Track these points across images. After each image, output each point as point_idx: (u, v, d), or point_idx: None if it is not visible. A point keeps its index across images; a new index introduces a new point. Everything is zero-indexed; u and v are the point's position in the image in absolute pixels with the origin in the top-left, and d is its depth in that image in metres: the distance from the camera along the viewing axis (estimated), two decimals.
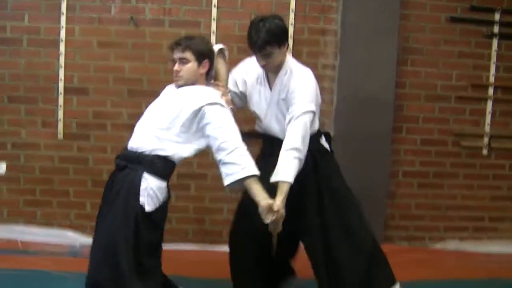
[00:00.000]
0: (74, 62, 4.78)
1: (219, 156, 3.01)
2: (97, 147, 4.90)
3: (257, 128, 3.63)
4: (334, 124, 4.94)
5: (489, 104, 5.16)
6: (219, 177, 4.56)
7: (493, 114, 5.19)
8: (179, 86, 3.20)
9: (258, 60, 3.34)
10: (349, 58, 4.87)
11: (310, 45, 4.98)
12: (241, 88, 3.55)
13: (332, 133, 4.90)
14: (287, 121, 3.26)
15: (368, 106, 4.77)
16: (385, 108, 4.89)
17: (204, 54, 3.19)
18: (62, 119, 4.81)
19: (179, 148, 3.07)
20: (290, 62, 3.43)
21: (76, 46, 4.78)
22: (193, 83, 3.19)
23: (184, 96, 3.12)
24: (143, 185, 2.97)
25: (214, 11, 4.84)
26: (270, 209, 2.98)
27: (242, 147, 3.01)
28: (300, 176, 3.19)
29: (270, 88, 3.44)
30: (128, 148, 3.16)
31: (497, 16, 5.08)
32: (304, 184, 3.33)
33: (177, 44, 3.18)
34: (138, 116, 4.70)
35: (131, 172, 3.02)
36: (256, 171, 2.99)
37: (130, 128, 4.70)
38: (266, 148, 3.58)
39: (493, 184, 5.32)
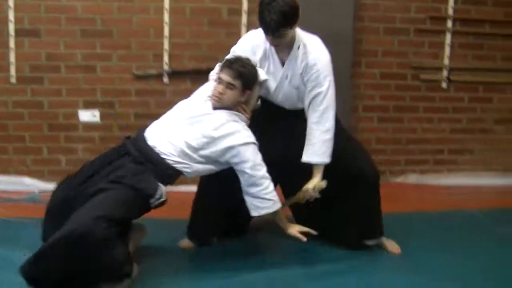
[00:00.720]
0: (24, 3, 4.62)
1: (251, 190, 3.17)
2: (52, 90, 4.79)
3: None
4: None
5: (448, 37, 5.13)
6: None
7: (452, 47, 5.16)
8: (215, 107, 3.21)
9: (269, 40, 3.21)
10: None
11: None
12: None
13: None
14: (313, 94, 3.30)
15: (326, 41, 4.69)
16: (343, 43, 4.81)
17: (250, 85, 3.23)
18: (14, 63, 4.68)
19: (199, 167, 3.17)
20: (301, 34, 3.31)
21: None
22: (229, 107, 3.22)
23: (222, 128, 3.16)
24: (157, 195, 3.03)
25: None
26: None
27: (271, 183, 3.19)
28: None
29: (281, 63, 3.35)
30: (148, 143, 3.14)
31: None
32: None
33: (231, 68, 3.17)
34: (92, 57, 4.72)
35: (147, 173, 3.04)
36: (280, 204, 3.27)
37: (85, 69, 4.74)
38: (271, 112, 3.54)
39: (452, 117, 5.33)
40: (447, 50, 5.15)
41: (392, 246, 3.66)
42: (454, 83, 5.24)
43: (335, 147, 3.34)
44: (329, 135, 3.32)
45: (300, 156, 3.35)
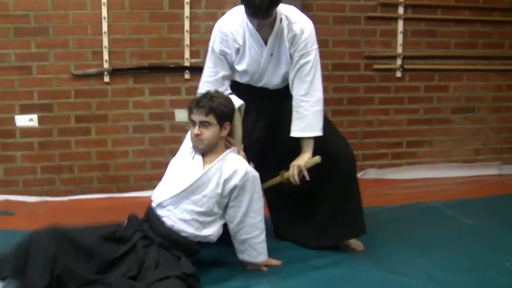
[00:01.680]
0: None
1: (242, 236, 3.03)
2: None
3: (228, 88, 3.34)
4: None
5: (400, 24, 4.98)
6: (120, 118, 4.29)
7: (404, 34, 5.01)
8: (200, 151, 3.03)
9: (255, 23, 3.00)
10: None
11: None
12: (231, 60, 3.25)
13: None
14: (300, 64, 3.15)
15: None
16: None
17: (227, 117, 3.01)
18: None
19: (217, 225, 3.04)
20: (280, 7, 3.09)
21: None
22: (213, 146, 3.02)
23: (217, 176, 2.96)
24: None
25: None
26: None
27: (264, 232, 3.07)
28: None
29: (265, 42, 3.12)
30: (166, 225, 2.93)
31: None
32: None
33: (199, 106, 2.94)
34: (27, 57, 4.44)
35: (182, 258, 2.89)
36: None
37: (20, 70, 4.45)
38: (260, 102, 3.36)
39: (409, 107, 5.18)
40: (399, 38, 5.00)
41: (355, 243, 3.43)
42: (408, 71, 5.09)
43: None
44: (320, 106, 3.18)
45: (285, 134, 3.22)
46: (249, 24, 3.06)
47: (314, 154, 3.17)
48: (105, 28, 4.53)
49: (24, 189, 4.61)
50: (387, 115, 5.13)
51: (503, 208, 4.29)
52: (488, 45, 5.21)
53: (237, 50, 3.16)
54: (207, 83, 3.23)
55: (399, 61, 5.04)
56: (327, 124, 3.31)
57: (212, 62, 3.22)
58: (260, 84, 3.30)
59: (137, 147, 4.75)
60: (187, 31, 4.65)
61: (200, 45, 4.64)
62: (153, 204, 3.00)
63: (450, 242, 3.54)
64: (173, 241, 2.90)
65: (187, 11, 4.64)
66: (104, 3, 4.50)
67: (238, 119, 3.17)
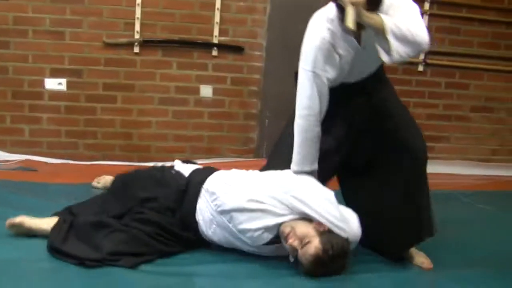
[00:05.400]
0: None
1: None
2: (18, 55, 4.61)
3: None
4: (267, 33, 4.85)
5: (425, 19, 5.07)
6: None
7: (429, 30, 5.07)
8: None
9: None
10: None
11: None
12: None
13: (264, 43, 4.81)
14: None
15: (300, 15, 4.63)
16: None
17: None
18: None
19: None
20: None
21: None
22: None
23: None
24: None
25: None
26: None
27: None
28: None
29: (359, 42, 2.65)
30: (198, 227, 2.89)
31: None
32: None
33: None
34: (61, 22, 4.58)
35: None
36: None
37: (53, 34, 4.59)
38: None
39: (429, 102, 5.25)
40: None
41: (422, 259, 2.96)
42: (430, 67, 5.17)
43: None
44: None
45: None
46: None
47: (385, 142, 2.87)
48: (138, 0, 4.66)
49: (48, 151, 4.71)
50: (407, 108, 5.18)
51: None
52: (510, 47, 5.29)
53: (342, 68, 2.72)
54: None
55: (422, 55, 5.12)
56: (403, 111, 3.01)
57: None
58: (354, 80, 2.81)
59: (161, 118, 4.85)
60: (218, 9, 4.77)
61: (230, 24, 4.77)
62: (204, 189, 2.86)
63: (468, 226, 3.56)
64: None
65: None
66: None
67: None
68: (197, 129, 4.91)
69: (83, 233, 2.68)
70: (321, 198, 2.67)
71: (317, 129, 2.73)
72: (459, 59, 5.22)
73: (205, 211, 2.81)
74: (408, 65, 5.12)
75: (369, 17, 2.42)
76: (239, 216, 2.70)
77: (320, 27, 2.62)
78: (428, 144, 5.10)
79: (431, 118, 5.27)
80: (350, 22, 2.36)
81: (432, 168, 5.07)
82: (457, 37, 5.17)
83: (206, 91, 4.85)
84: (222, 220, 2.76)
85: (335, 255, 2.54)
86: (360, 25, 2.47)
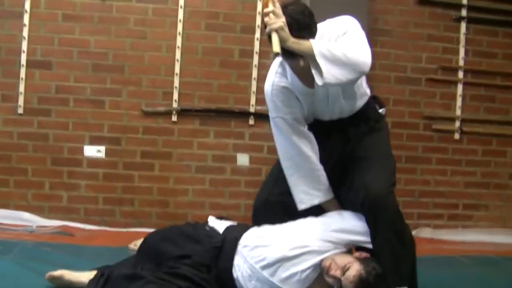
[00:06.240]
0: (38, 35, 4.66)
1: None
2: (59, 123, 4.72)
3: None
4: None
5: (460, 88, 5.13)
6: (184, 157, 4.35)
7: (463, 98, 5.14)
8: None
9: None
10: None
11: None
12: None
13: None
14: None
15: None
16: None
17: None
18: (23, 93, 4.64)
19: None
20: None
21: (40, 18, 4.67)
22: None
23: None
24: None
25: None
26: None
27: None
28: None
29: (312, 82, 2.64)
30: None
31: (464, 0, 5.11)
32: None
33: None
34: (101, 91, 4.70)
35: None
36: None
37: (93, 103, 4.69)
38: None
39: (466, 170, 5.21)
40: (459, 101, 5.13)
41: None
42: (466, 134, 5.17)
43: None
44: None
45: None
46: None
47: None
48: (177, 70, 4.78)
49: (85, 217, 4.73)
50: (444, 176, 5.17)
51: None
52: None
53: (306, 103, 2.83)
54: None
55: (457, 123, 5.13)
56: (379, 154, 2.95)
57: None
58: (335, 117, 2.89)
59: (198, 186, 4.87)
60: (254, 79, 4.86)
61: None
62: (240, 247, 2.85)
63: None
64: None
65: (256, 60, 4.88)
66: (178, 47, 4.78)
67: None
68: (233, 198, 4.91)
69: (118, 286, 2.68)
70: (356, 219, 2.77)
71: (307, 166, 2.84)
72: (495, 126, 5.22)
73: (243, 267, 2.80)
74: (444, 133, 5.12)
75: (296, 43, 2.47)
76: (284, 266, 2.71)
77: (271, 73, 2.82)
78: (467, 212, 5.17)
79: (469, 186, 5.22)
80: (275, 47, 2.43)
81: (472, 236, 5.08)
82: (492, 104, 5.19)
83: (243, 159, 4.89)
84: (262, 275, 2.74)
85: (378, 275, 2.60)
86: (295, 54, 2.51)
